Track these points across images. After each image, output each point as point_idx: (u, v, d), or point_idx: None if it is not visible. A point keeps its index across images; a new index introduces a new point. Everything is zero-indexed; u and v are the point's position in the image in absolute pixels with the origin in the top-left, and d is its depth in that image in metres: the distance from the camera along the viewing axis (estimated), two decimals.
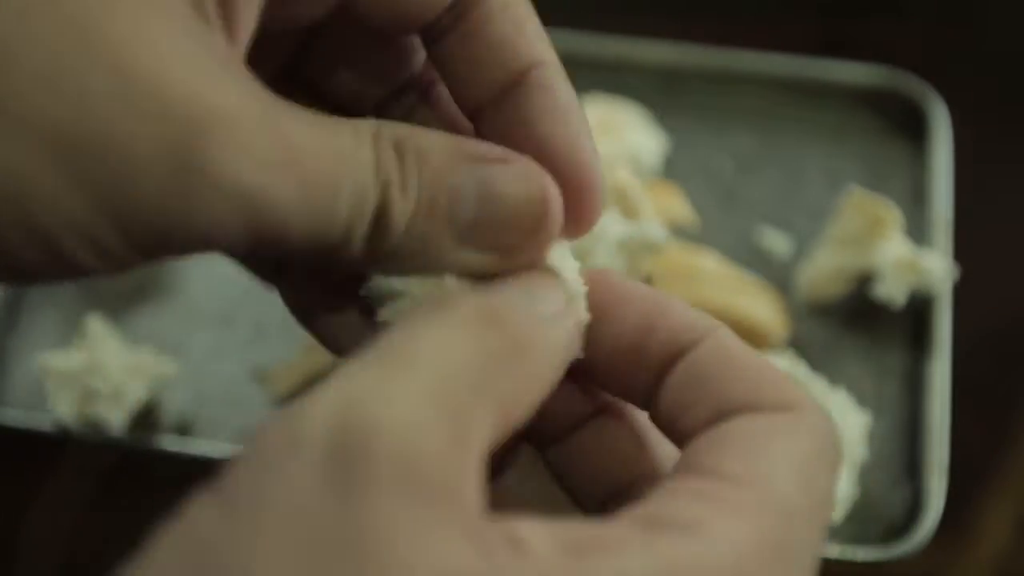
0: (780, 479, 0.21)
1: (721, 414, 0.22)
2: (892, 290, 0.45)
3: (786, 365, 0.43)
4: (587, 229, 0.25)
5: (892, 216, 0.46)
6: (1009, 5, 0.64)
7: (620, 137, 0.51)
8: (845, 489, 0.41)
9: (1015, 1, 0.64)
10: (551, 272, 0.23)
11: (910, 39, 0.61)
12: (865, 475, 0.43)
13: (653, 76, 0.54)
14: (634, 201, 0.44)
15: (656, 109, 0.54)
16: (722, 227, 0.51)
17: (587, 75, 0.54)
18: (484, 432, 0.20)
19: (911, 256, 0.45)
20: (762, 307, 0.46)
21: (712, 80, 0.54)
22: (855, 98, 0.53)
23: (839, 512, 0.42)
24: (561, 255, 0.24)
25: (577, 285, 0.24)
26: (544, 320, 0.22)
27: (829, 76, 0.53)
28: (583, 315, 0.24)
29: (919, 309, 0.47)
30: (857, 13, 0.63)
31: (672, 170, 0.52)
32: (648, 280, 0.46)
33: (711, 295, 0.45)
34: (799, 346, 0.47)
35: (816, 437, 0.22)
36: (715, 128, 0.54)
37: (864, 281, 0.46)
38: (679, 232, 0.49)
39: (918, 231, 0.49)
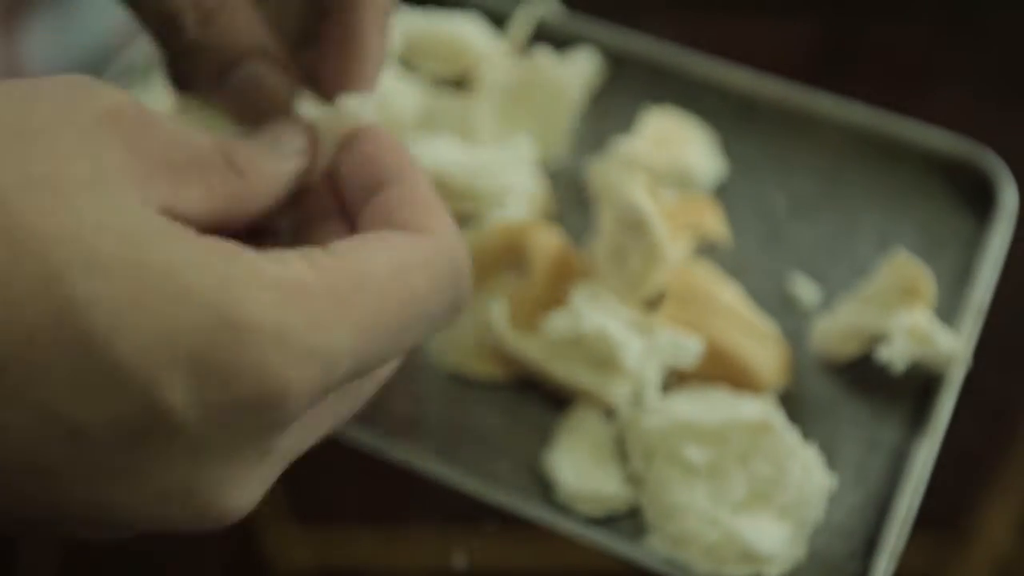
0: (375, 262, 0.28)
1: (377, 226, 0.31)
2: (895, 355, 0.44)
3: (762, 410, 0.42)
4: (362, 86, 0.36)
5: (927, 287, 0.45)
6: (1013, 6, 0.62)
7: (676, 152, 0.51)
8: (784, 545, 0.41)
9: (1018, 2, 0.62)
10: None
11: (911, 40, 0.60)
12: (824, 540, 0.43)
13: (728, 100, 0.54)
14: (647, 227, 0.44)
15: (724, 133, 0.53)
16: (756, 264, 0.50)
17: (664, 86, 0.54)
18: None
19: (927, 329, 0.44)
20: (764, 354, 0.45)
21: (786, 117, 0.53)
22: (927, 163, 0.52)
23: (778, 567, 0.41)
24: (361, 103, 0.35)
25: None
26: (270, 157, 0.32)
27: (904, 135, 0.52)
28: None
29: (927, 385, 0.45)
30: (858, 13, 0.62)
31: (724, 196, 0.52)
32: (662, 297, 0.46)
33: (717, 328, 0.45)
34: (798, 399, 0.46)
35: (430, 253, 0.30)
36: (778, 166, 0.53)
37: (878, 346, 0.45)
38: (708, 251, 0.49)
39: (952, 312, 0.47)
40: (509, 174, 0.48)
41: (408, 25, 0.55)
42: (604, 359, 0.44)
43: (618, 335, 0.43)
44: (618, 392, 0.44)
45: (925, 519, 0.42)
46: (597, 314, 0.43)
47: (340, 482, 0.47)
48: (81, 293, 0.24)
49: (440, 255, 0.30)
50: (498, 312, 0.45)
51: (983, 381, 0.45)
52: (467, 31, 0.55)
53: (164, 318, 0.24)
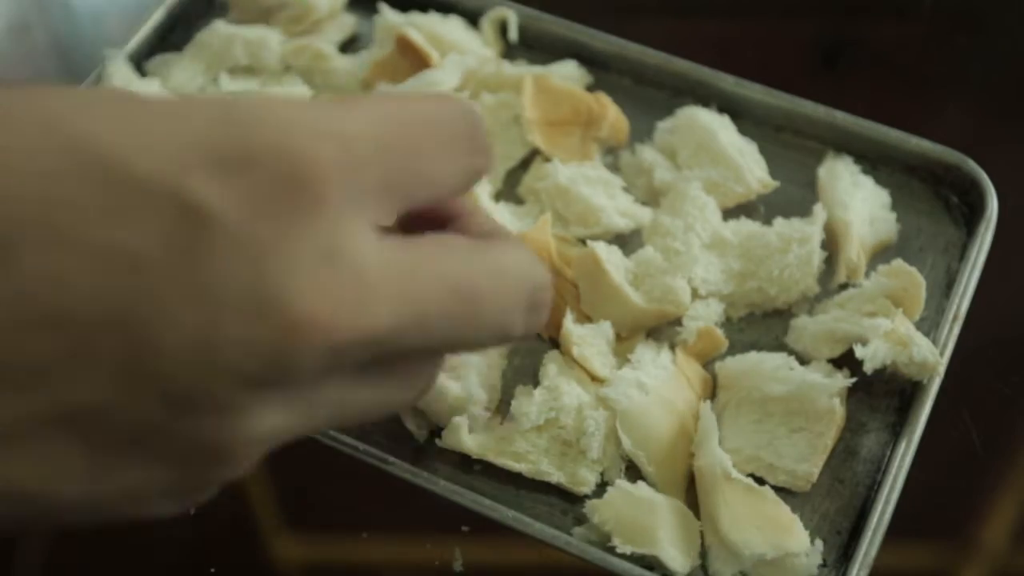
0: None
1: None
2: (868, 355, 0.43)
3: None
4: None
5: (918, 295, 0.45)
6: (1011, 6, 0.62)
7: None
8: None
9: (1017, 2, 0.62)
10: None
11: (910, 40, 0.60)
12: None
13: (711, 104, 0.54)
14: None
15: None
16: None
17: (646, 90, 0.55)
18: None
19: (905, 333, 0.44)
20: None
21: (768, 121, 0.53)
22: (913, 172, 0.52)
23: None
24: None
25: None
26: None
27: (887, 143, 0.52)
28: None
29: (904, 392, 0.46)
30: (857, 13, 0.62)
31: None
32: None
33: None
34: None
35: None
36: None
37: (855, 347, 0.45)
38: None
39: (929, 320, 0.48)
40: None
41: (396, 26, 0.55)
42: (570, 442, 0.44)
43: (591, 421, 0.43)
44: (588, 480, 0.44)
45: (924, 526, 0.43)
46: (572, 390, 0.44)
47: (338, 485, 0.47)
48: (80, 127, 0.24)
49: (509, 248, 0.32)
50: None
51: (983, 382, 0.45)
52: (452, 33, 0.54)
53: (171, 127, 0.24)
